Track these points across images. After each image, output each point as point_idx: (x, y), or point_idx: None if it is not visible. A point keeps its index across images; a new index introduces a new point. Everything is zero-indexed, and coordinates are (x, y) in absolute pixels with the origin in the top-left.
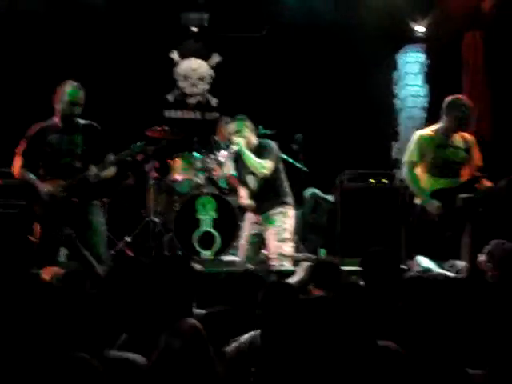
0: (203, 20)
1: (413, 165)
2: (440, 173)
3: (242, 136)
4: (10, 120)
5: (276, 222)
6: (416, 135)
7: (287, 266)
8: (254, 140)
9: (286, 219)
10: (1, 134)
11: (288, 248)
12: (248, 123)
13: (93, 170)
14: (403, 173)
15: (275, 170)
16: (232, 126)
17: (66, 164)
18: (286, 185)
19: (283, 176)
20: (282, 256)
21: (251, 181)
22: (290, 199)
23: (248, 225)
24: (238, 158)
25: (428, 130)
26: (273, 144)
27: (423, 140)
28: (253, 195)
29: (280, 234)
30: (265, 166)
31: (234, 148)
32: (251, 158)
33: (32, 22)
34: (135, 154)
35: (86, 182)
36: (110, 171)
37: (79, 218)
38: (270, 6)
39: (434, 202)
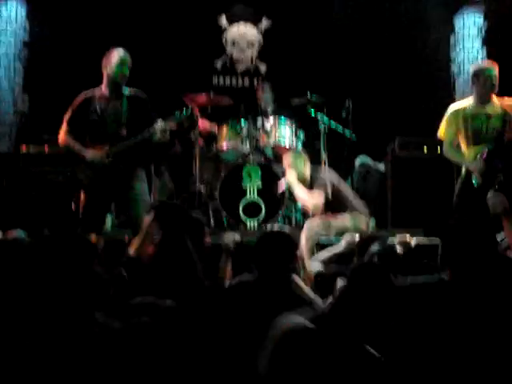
0: None
1: (450, 139)
2: (475, 142)
3: (296, 169)
4: (59, 88)
5: None
6: (448, 110)
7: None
8: (308, 173)
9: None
10: (49, 102)
11: None
12: (303, 157)
13: (161, 123)
14: (443, 151)
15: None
16: (286, 159)
17: (111, 132)
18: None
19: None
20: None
21: None
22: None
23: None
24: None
25: (461, 102)
26: (325, 175)
27: (453, 114)
28: None
29: None
30: (315, 203)
31: (285, 182)
32: (301, 193)
33: None
34: (182, 121)
35: (131, 150)
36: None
37: (124, 185)
38: None
39: (475, 162)
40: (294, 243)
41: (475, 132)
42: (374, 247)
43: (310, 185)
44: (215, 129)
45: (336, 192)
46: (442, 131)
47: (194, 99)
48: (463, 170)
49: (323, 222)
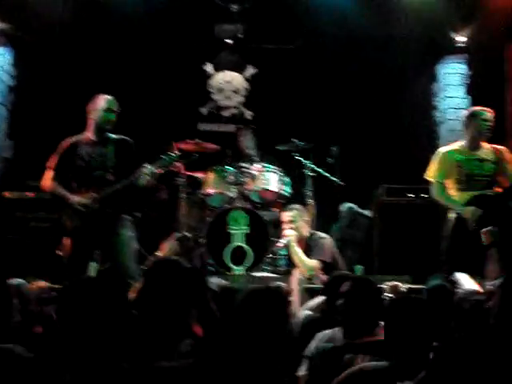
0: (238, 32)
1: (439, 184)
2: (467, 187)
3: (295, 227)
4: (44, 134)
5: None
6: (437, 152)
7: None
8: (307, 232)
9: None
10: (34, 148)
11: None
12: (303, 214)
13: (147, 167)
14: (431, 193)
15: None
16: (285, 215)
17: (97, 177)
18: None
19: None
20: None
21: None
22: None
23: None
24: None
25: (451, 146)
26: (325, 240)
27: (444, 157)
28: None
29: None
30: (311, 266)
31: (284, 241)
32: (299, 256)
33: (64, 34)
34: (169, 165)
35: (117, 195)
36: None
37: (109, 230)
38: (305, 18)
39: (469, 207)
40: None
41: (468, 176)
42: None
43: (307, 244)
44: (200, 176)
45: (334, 261)
46: (431, 173)
47: (180, 146)
48: (453, 214)
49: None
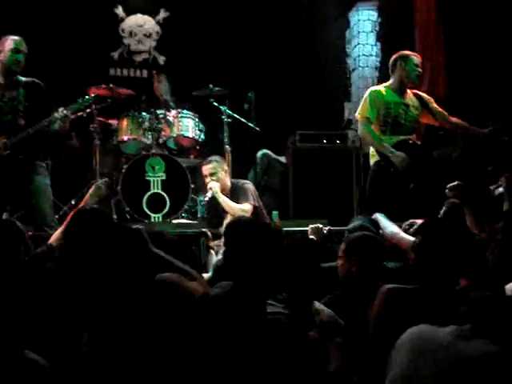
0: None
1: (368, 120)
2: (391, 130)
3: (217, 178)
4: None
5: None
6: (368, 90)
7: None
8: (228, 182)
9: None
10: None
11: None
12: (223, 165)
13: (60, 111)
14: (359, 130)
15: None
16: (206, 168)
17: (8, 121)
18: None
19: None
20: None
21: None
22: None
23: None
24: (213, 202)
25: (380, 87)
26: (248, 185)
27: (375, 95)
28: None
29: None
30: (245, 209)
31: (209, 194)
32: (229, 203)
33: None
34: (83, 109)
35: (30, 140)
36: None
37: (23, 177)
38: None
39: (399, 153)
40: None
41: (395, 119)
42: None
43: (231, 194)
44: (114, 122)
45: (258, 203)
46: (361, 110)
47: (92, 91)
48: (375, 153)
49: None
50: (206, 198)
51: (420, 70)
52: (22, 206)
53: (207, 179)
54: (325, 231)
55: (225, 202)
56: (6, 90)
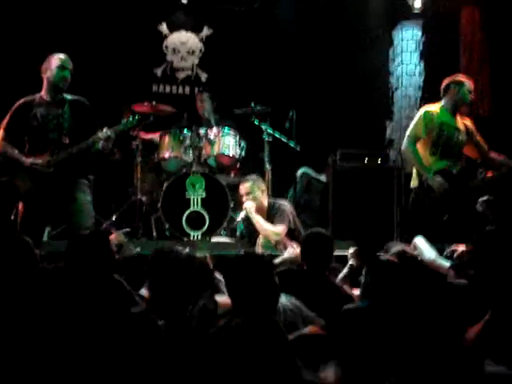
0: None
1: (415, 139)
2: (441, 152)
3: (253, 198)
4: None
5: None
6: (422, 110)
7: None
8: (265, 202)
9: None
10: None
11: None
12: (260, 184)
13: (104, 132)
14: (403, 147)
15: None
16: (243, 187)
17: (52, 139)
18: None
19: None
20: None
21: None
22: None
23: None
24: (248, 221)
25: (433, 107)
26: (285, 206)
27: (430, 115)
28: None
29: None
30: (277, 232)
31: (243, 213)
32: (262, 224)
33: None
34: (129, 129)
35: (73, 158)
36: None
37: (65, 195)
38: None
39: (438, 178)
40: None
41: (447, 141)
42: None
43: (268, 214)
44: (157, 138)
45: (295, 226)
46: (414, 129)
47: (135, 107)
48: (416, 176)
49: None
50: (239, 218)
51: (472, 96)
52: (63, 222)
53: (244, 198)
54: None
55: (258, 222)
56: (52, 107)
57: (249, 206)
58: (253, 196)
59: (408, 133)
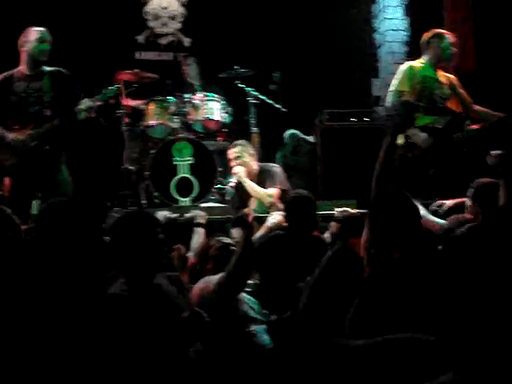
0: None
1: (400, 94)
2: (426, 108)
3: (243, 162)
4: None
5: None
6: (405, 65)
7: None
8: (255, 166)
9: None
10: None
11: None
12: (249, 148)
13: (86, 102)
14: (388, 103)
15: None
16: (231, 152)
17: (34, 112)
18: None
19: None
20: None
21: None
22: None
23: None
24: (239, 187)
25: (416, 62)
26: (276, 168)
27: (413, 69)
28: None
29: None
30: (270, 194)
31: (234, 179)
32: (254, 188)
33: None
34: (109, 99)
35: (55, 131)
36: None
37: (49, 167)
38: None
39: (421, 133)
40: None
41: (430, 95)
42: None
43: (258, 178)
44: (141, 105)
45: (286, 186)
46: (397, 85)
47: (118, 76)
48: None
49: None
50: (230, 185)
51: (454, 49)
52: (51, 194)
53: (233, 163)
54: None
55: (250, 186)
56: (32, 80)
57: (239, 170)
58: (242, 161)
59: (392, 87)
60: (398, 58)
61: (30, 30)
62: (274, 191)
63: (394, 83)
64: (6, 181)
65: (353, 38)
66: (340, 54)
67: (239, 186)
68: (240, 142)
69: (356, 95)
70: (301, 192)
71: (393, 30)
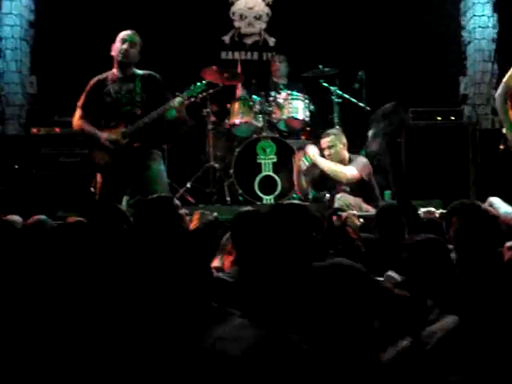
0: None
1: (508, 89)
2: None
3: (335, 152)
4: (67, 69)
5: None
6: None
7: None
8: (347, 155)
9: None
10: (58, 84)
11: None
12: (341, 137)
13: (175, 100)
14: (496, 94)
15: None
16: (324, 141)
17: (126, 112)
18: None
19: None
20: None
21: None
22: None
23: None
24: (317, 175)
25: None
26: (363, 158)
27: None
28: None
29: None
30: (346, 172)
31: (307, 161)
32: (329, 165)
33: None
34: (196, 95)
35: (146, 129)
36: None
37: (139, 165)
38: None
39: None
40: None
41: None
42: None
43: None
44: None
45: (370, 181)
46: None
47: (204, 75)
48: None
49: (355, 200)
50: (304, 167)
51: None
52: (139, 191)
53: (326, 152)
54: (437, 215)
55: (324, 164)
56: (124, 83)
57: (312, 151)
58: (335, 150)
59: (504, 79)
60: (487, 56)
61: (120, 35)
62: (351, 169)
63: (507, 75)
64: (99, 178)
65: (440, 36)
66: (427, 51)
67: (310, 168)
68: (333, 130)
69: (443, 93)
70: (392, 203)
71: (481, 27)
